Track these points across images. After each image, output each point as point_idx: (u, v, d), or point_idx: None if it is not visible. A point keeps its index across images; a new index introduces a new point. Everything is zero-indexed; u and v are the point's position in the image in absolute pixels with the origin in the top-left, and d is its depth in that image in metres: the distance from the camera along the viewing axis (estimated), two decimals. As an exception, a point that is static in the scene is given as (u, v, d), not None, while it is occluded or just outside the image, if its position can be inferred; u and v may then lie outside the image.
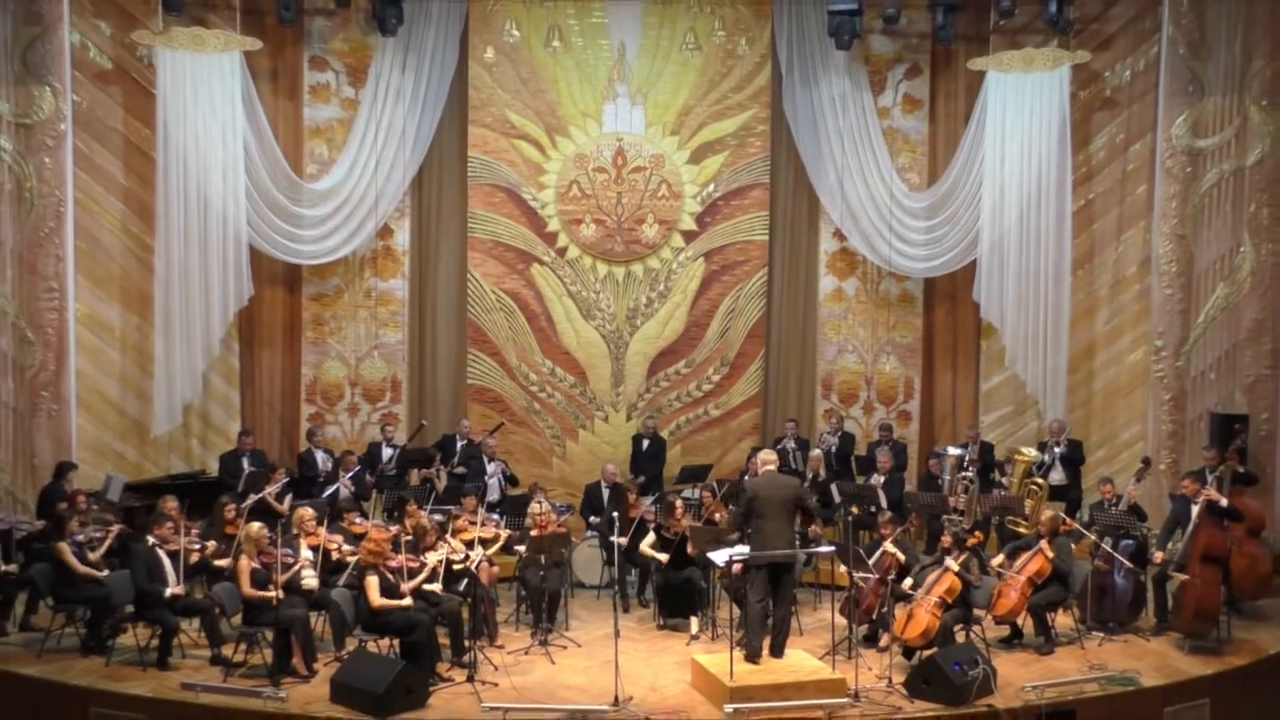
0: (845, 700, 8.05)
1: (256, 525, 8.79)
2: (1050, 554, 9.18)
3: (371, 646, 8.62)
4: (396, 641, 8.52)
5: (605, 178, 12.71)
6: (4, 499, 10.78)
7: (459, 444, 11.81)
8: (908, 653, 8.85)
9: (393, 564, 8.58)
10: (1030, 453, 11.10)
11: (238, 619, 8.81)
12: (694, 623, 9.71)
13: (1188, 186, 11.57)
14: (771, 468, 8.67)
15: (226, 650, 8.68)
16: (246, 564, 8.54)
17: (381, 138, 12.31)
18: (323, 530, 9.38)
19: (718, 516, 9.86)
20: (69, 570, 8.97)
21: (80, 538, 9.14)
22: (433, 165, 12.74)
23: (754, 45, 12.64)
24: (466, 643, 8.73)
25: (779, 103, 12.75)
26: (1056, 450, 11.38)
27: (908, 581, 9.03)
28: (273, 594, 8.34)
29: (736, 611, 9.02)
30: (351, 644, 8.70)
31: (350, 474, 11.17)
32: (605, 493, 11.23)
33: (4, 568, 9.31)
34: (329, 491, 10.98)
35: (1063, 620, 9.49)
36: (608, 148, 12.69)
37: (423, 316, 12.92)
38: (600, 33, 12.57)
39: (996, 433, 12.45)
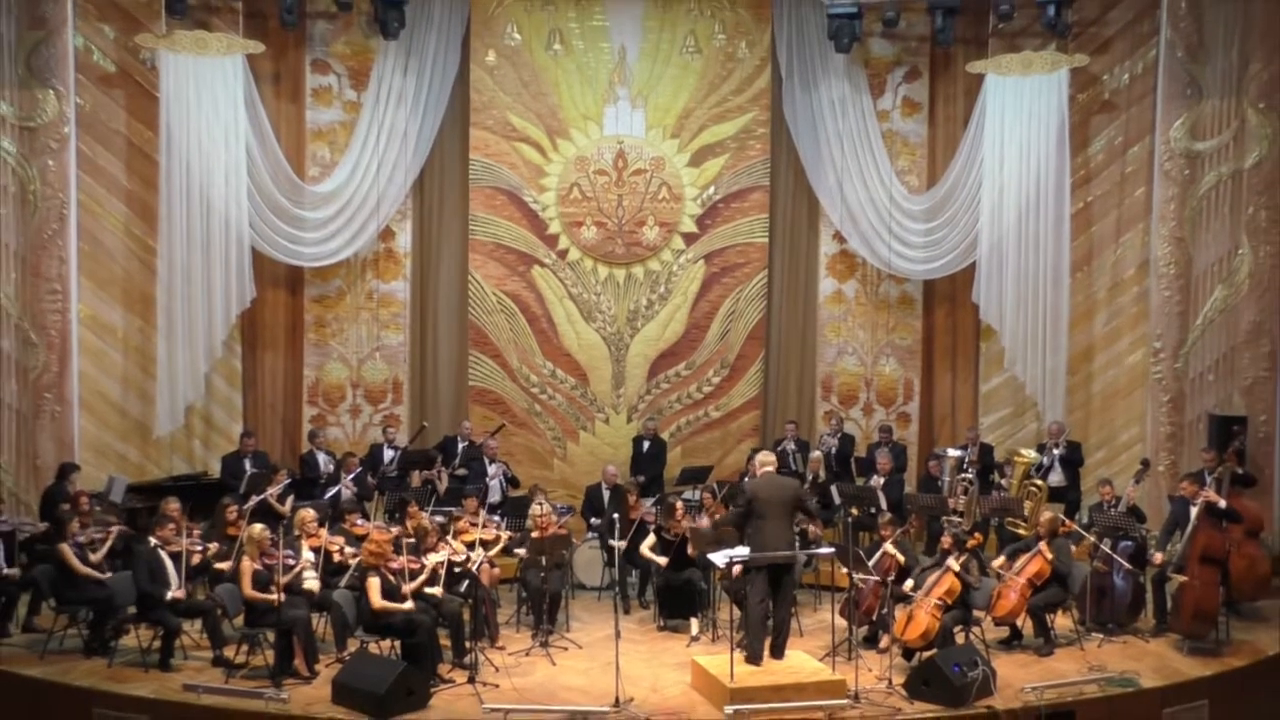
0: (845, 701, 8.08)
1: (259, 527, 8.81)
2: (1049, 555, 9.21)
3: (373, 648, 8.64)
4: (398, 643, 8.55)
5: (606, 180, 12.74)
6: (7, 500, 10.79)
7: (460, 445, 11.83)
8: (907, 654, 8.88)
9: (394, 565, 8.61)
10: (1029, 454, 11.13)
11: (240, 620, 8.83)
12: (694, 624, 9.74)
13: (1186, 189, 11.60)
14: (770, 469, 8.70)
15: (228, 651, 8.71)
16: (248, 565, 8.57)
17: (383, 140, 12.34)
18: (324, 532, 9.41)
19: (718, 518, 9.88)
20: (71, 571, 8.99)
21: (81, 539, 9.17)
22: (434, 168, 12.77)
23: (754, 48, 12.67)
24: (468, 644, 8.76)
25: (779, 106, 12.78)
26: (1055, 452, 11.40)
27: (909, 583, 9.06)
28: (274, 596, 8.37)
29: (737, 613, 9.04)
30: (353, 645, 8.73)
31: (352, 475, 11.19)
32: (606, 494, 11.26)
33: (6, 571, 9.33)
34: (331, 493, 11.00)
35: (1062, 621, 9.52)
36: (608, 150, 12.73)
37: (424, 318, 12.95)
38: (601, 36, 12.60)
39: (996, 434, 12.47)
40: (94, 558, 9.13)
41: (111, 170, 11.83)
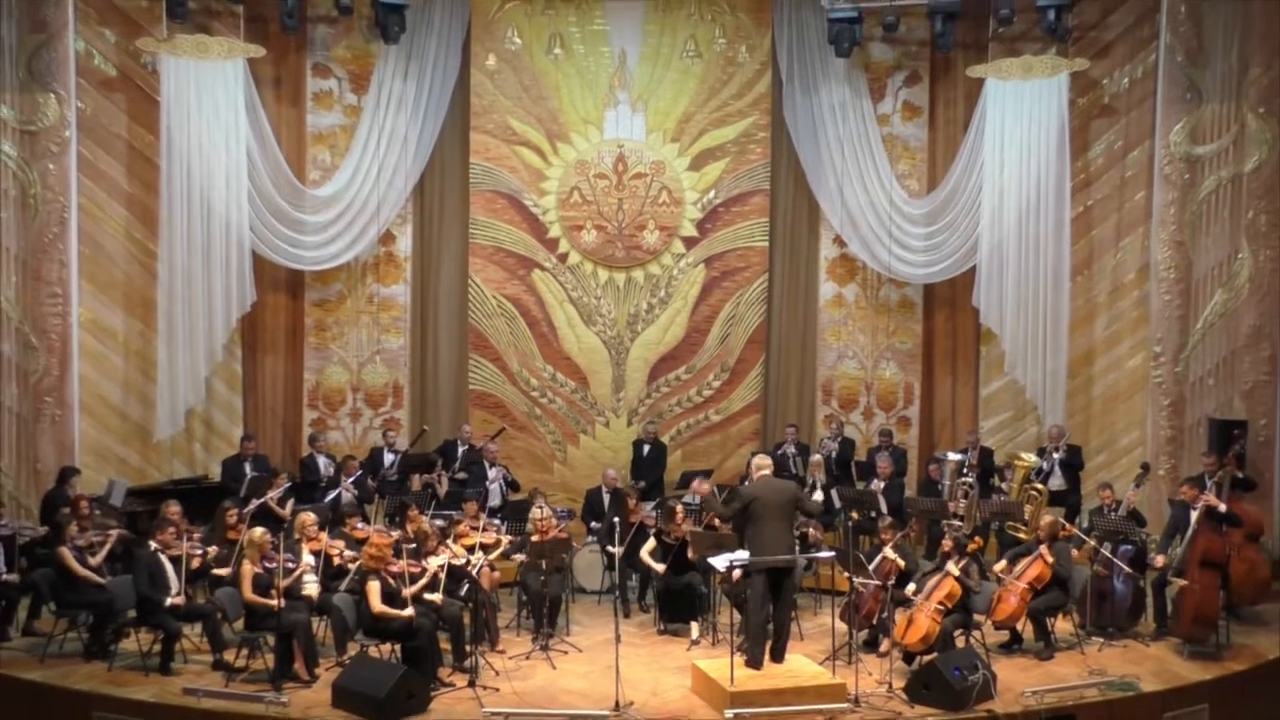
0: (845, 705, 8.08)
1: (259, 530, 8.80)
2: (1050, 559, 9.20)
3: (373, 651, 8.64)
4: (398, 646, 8.54)
5: (606, 184, 12.75)
6: (7, 504, 10.79)
7: (460, 449, 11.84)
8: (908, 658, 8.87)
9: (394, 569, 8.60)
10: (1030, 458, 11.10)
11: (240, 624, 8.83)
12: (694, 628, 9.73)
13: (1186, 193, 11.60)
14: (766, 472, 8.70)
15: (228, 655, 8.71)
16: (249, 569, 8.57)
17: (384, 144, 12.36)
18: (324, 535, 9.41)
19: (717, 521, 9.87)
20: (71, 575, 8.99)
21: (80, 542, 9.17)
22: (435, 171, 12.80)
23: (754, 52, 12.69)
24: (468, 647, 8.75)
25: (779, 110, 12.80)
26: (1056, 456, 11.41)
27: (910, 587, 9.05)
28: (275, 601, 8.37)
29: (737, 617, 9.04)
30: (353, 649, 8.73)
31: (352, 479, 11.19)
32: (606, 498, 11.25)
33: (5, 576, 9.33)
34: (331, 496, 11.00)
35: (1062, 625, 9.51)
36: (609, 154, 12.74)
37: (424, 322, 12.96)
38: (601, 40, 12.62)
39: (996, 438, 12.48)
40: (93, 561, 9.13)
41: (112, 174, 11.84)
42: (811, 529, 10.12)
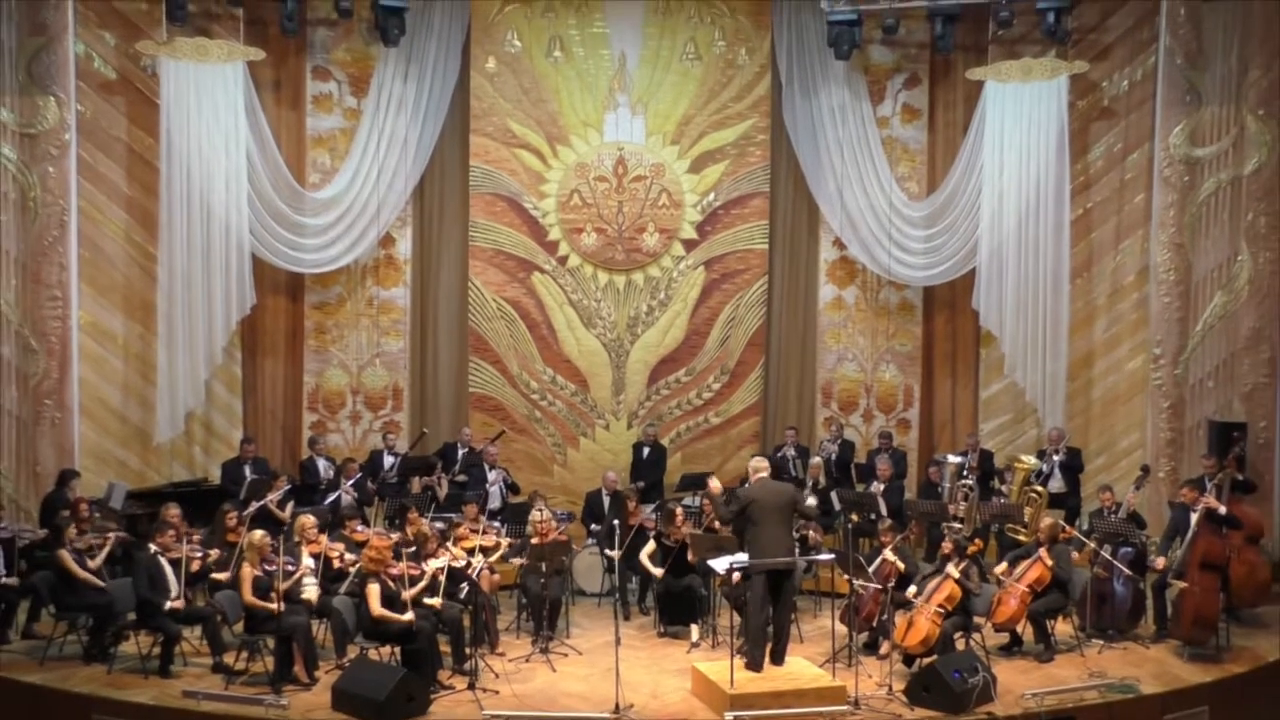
0: (845, 708, 8.08)
1: (259, 533, 8.80)
2: (1049, 562, 9.20)
3: (373, 654, 8.63)
4: (398, 649, 8.54)
5: (606, 187, 12.76)
6: (7, 507, 10.79)
7: (460, 452, 11.84)
8: (908, 660, 8.87)
9: (394, 572, 8.60)
10: (1029, 460, 11.11)
11: (239, 627, 8.83)
12: (694, 630, 9.73)
13: (1185, 195, 11.61)
14: (764, 475, 8.69)
15: (228, 658, 8.71)
16: (249, 571, 8.57)
17: (384, 147, 12.37)
18: (324, 538, 9.41)
19: (717, 524, 9.87)
20: (71, 577, 8.99)
21: (79, 545, 9.17)
22: (434, 174, 12.80)
23: (754, 55, 12.70)
24: (468, 650, 8.75)
25: (779, 112, 12.81)
26: (1055, 458, 11.40)
27: (911, 589, 9.05)
28: (275, 606, 8.36)
29: (737, 619, 9.04)
30: (353, 651, 8.72)
31: (352, 481, 11.20)
32: (606, 500, 11.26)
33: (5, 580, 9.33)
34: (331, 499, 11.01)
35: (1062, 628, 9.51)
36: (608, 157, 12.75)
37: (424, 325, 12.96)
38: (601, 43, 12.63)
39: (996, 440, 12.48)
40: (92, 564, 9.13)
41: (112, 177, 11.85)
42: (811, 531, 10.14)
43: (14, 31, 11.06)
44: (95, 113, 11.69)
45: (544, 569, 9.53)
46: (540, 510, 10.05)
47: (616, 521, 9.73)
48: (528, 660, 9.13)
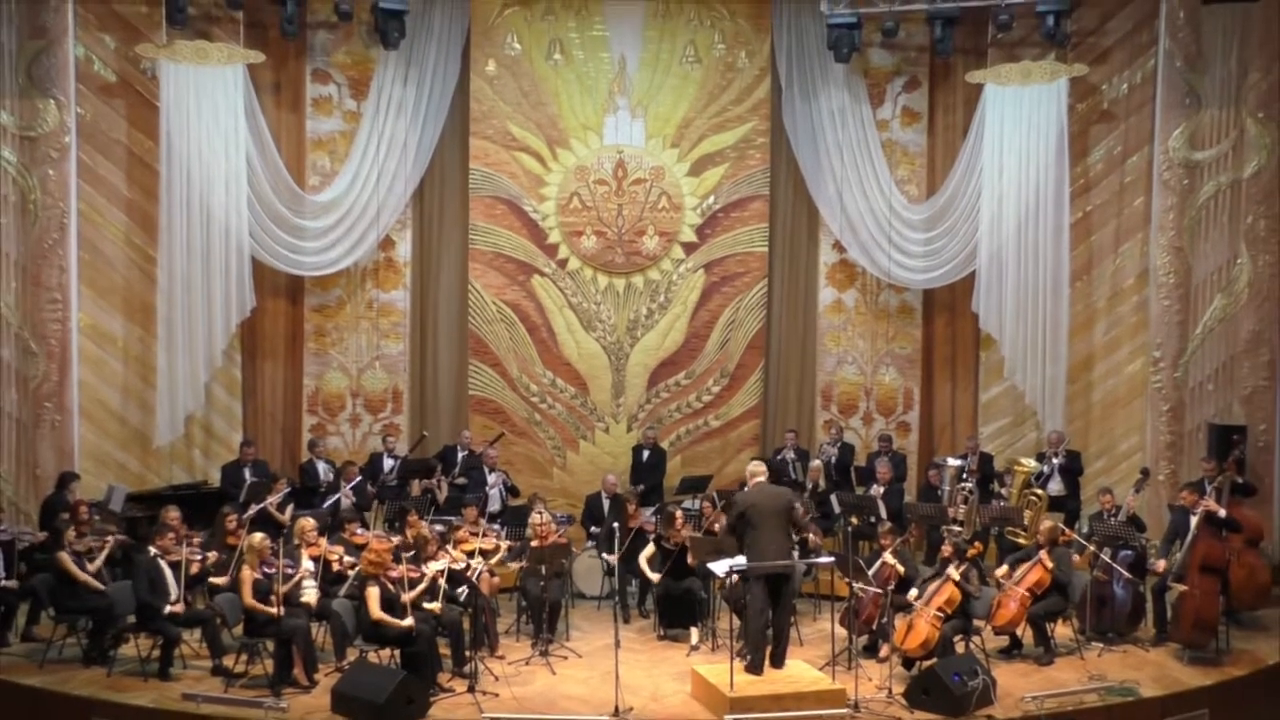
0: (845, 711, 8.08)
1: (259, 536, 8.80)
2: (1049, 564, 9.20)
3: (372, 657, 8.62)
4: (397, 652, 8.54)
5: (606, 190, 12.77)
6: (7, 509, 10.78)
7: (460, 455, 11.84)
8: (907, 663, 8.87)
9: (393, 574, 8.60)
10: (1029, 463, 11.13)
11: (239, 629, 8.82)
12: (694, 633, 9.73)
13: (1185, 198, 11.61)
14: (761, 479, 8.69)
15: (228, 661, 8.71)
16: (249, 574, 8.57)
17: (383, 150, 12.37)
18: (324, 541, 9.40)
19: (717, 527, 9.88)
20: (71, 580, 8.99)
21: (78, 548, 9.16)
22: (434, 177, 12.81)
23: (753, 58, 12.71)
24: (467, 653, 8.74)
25: (778, 115, 12.82)
26: (1055, 461, 11.40)
27: (912, 593, 9.05)
28: (274, 610, 8.36)
29: (737, 622, 9.04)
30: (352, 654, 8.71)
31: (352, 484, 11.19)
32: (606, 503, 11.26)
33: (4, 583, 9.32)
34: (330, 502, 11.00)
35: (1062, 631, 9.51)
36: (608, 160, 12.76)
37: (424, 328, 12.97)
38: (601, 46, 12.64)
39: (995, 443, 12.48)
40: (90, 567, 9.12)
41: (112, 180, 11.85)
42: (811, 534, 10.13)
43: (14, 34, 11.07)
44: (95, 115, 11.70)
45: (544, 572, 9.53)
46: (540, 513, 10.05)
47: (616, 524, 9.72)
48: (527, 663, 9.13)
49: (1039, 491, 10.89)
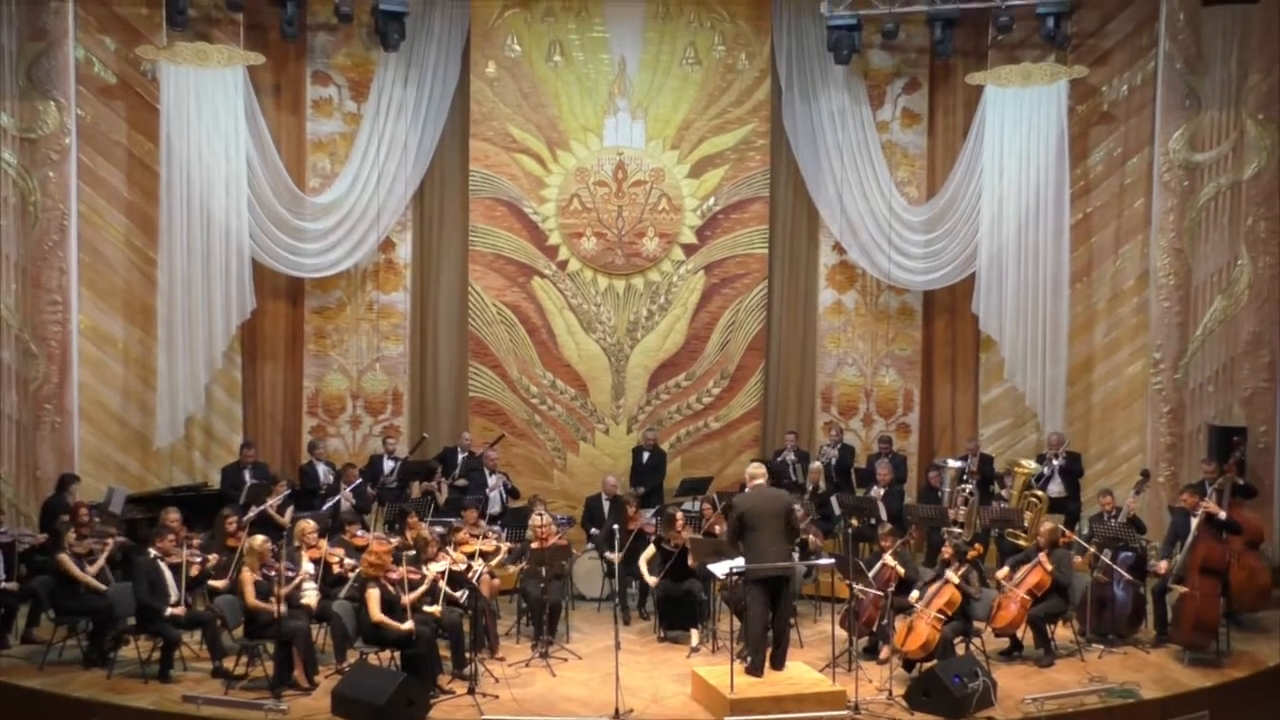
0: (845, 712, 8.08)
1: (259, 538, 8.80)
2: (1049, 566, 9.20)
3: (373, 659, 8.63)
4: (397, 654, 8.54)
5: (606, 191, 12.77)
6: (7, 511, 10.78)
7: (460, 456, 11.83)
8: (908, 665, 8.86)
9: (394, 576, 8.60)
10: (1029, 465, 11.13)
11: (239, 631, 8.82)
12: (694, 635, 9.72)
13: (1185, 200, 11.62)
14: (760, 481, 8.67)
15: (228, 663, 8.71)
16: (249, 576, 8.56)
17: (383, 152, 12.37)
18: (324, 543, 9.41)
19: (717, 529, 9.88)
20: (71, 582, 8.99)
21: (79, 550, 9.16)
22: (434, 179, 12.80)
23: (754, 60, 12.71)
24: (467, 655, 8.74)
25: (778, 117, 12.81)
26: (1055, 463, 11.40)
27: (914, 594, 9.05)
28: (275, 608, 8.36)
29: (737, 624, 9.04)
30: (352, 656, 8.72)
31: (352, 486, 11.19)
32: (606, 505, 11.26)
33: (4, 585, 9.32)
34: (330, 504, 10.99)
35: (1062, 632, 9.51)
36: (608, 162, 12.76)
37: (424, 329, 12.96)
38: (601, 47, 12.64)
39: (995, 445, 12.48)
40: (91, 569, 9.11)
41: (112, 181, 11.85)
42: (812, 536, 10.12)
43: (14, 36, 11.08)
44: (95, 117, 11.70)
45: (544, 574, 9.53)
46: (540, 515, 10.04)
47: (616, 526, 9.72)
48: (527, 665, 9.13)
49: (1039, 493, 10.89)
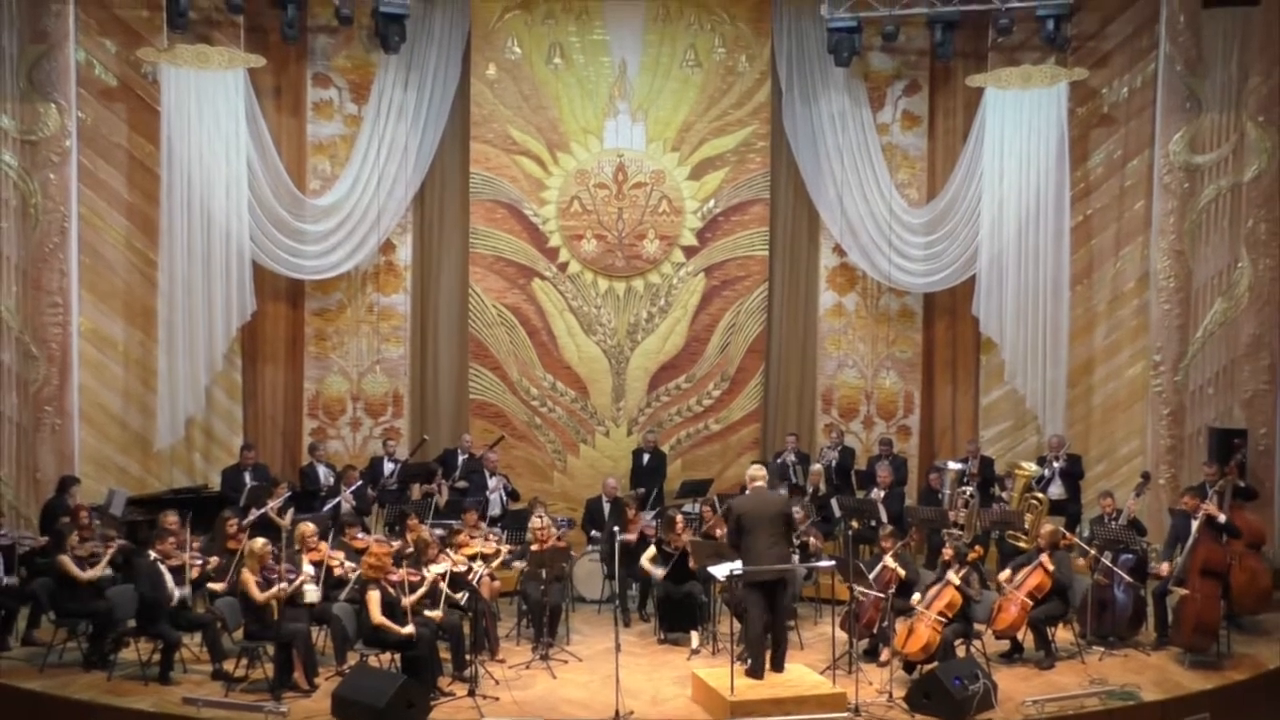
0: (846, 714, 8.08)
1: (259, 541, 8.78)
2: (1050, 568, 9.19)
3: (373, 661, 8.63)
4: (398, 656, 8.53)
5: (606, 193, 12.77)
6: (7, 514, 10.78)
7: (460, 458, 11.83)
8: (908, 667, 8.86)
9: (394, 578, 8.60)
10: (1030, 467, 11.12)
11: (239, 634, 8.82)
12: (694, 637, 9.72)
13: (1185, 202, 11.62)
14: (760, 484, 8.67)
15: (228, 665, 8.71)
16: (250, 578, 8.56)
17: (384, 154, 12.38)
18: (324, 545, 9.41)
19: (718, 532, 9.87)
20: (72, 584, 8.98)
21: (80, 553, 9.15)
22: (435, 181, 12.80)
23: (754, 62, 12.71)
24: (468, 657, 8.73)
25: (779, 119, 12.81)
26: (1056, 465, 11.40)
27: (916, 597, 9.04)
28: (279, 589, 8.37)
29: (737, 626, 9.04)
30: (353, 658, 8.72)
31: (352, 488, 11.19)
32: (606, 507, 11.26)
33: (5, 582, 9.32)
34: (331, 506, 10.99)
35: (1063, 635, 9.50)
36: (609, 164, 12.76)
37: (424, 331, 12.96)
38: (601, 50, 12.64)
39: (996, 447, 12.47)
40: (92, 572, 9.10)
41: (113, 184, 11.86)
42: (812, 538, 10.12)
43: (15, 38, 11.09)
44: (96, 119, 11.71)
45: (544, 576, 9.53)
46: (540, 517, 10.04)
47: (616, 528, 9.73)
48: (528, 667, 9.13)
49: (1040, 495, 10.88)
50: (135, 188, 11.93)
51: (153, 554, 8.93)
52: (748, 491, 8.74)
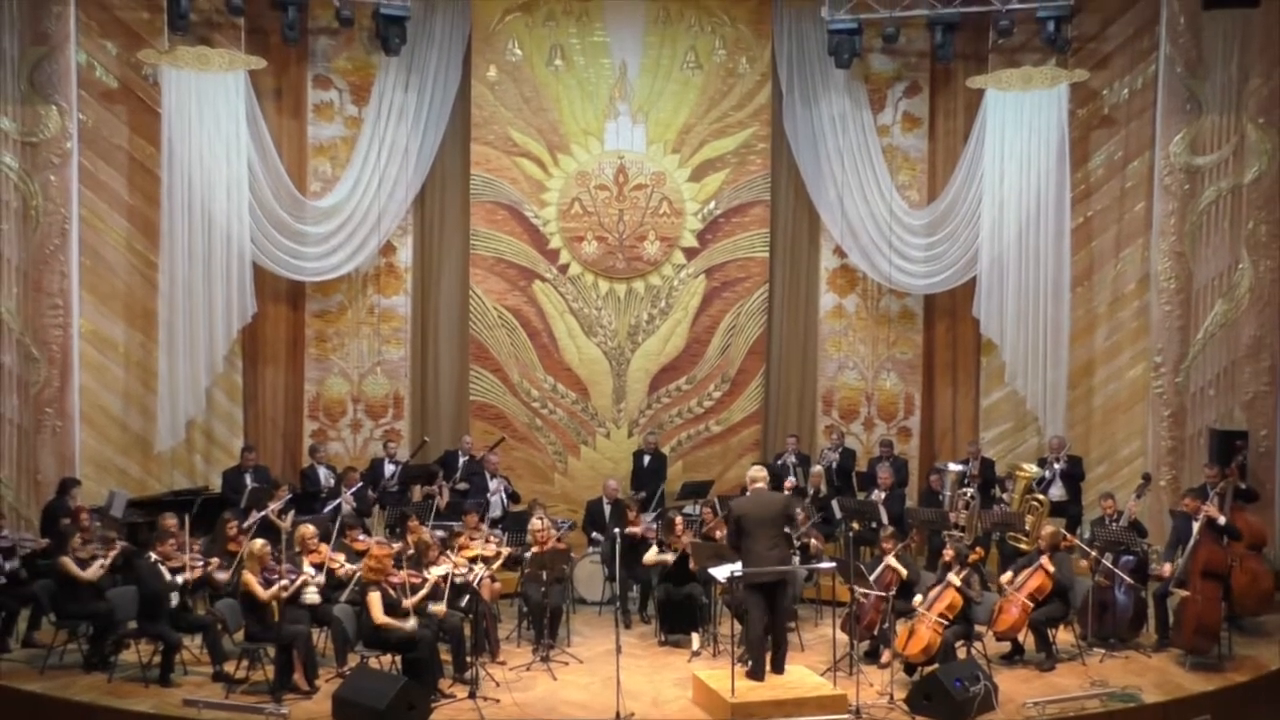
0: (846, 716, 8.08)
1: (259, 542, 8.79)
2: (1051, 570, 9.19)
3: (373, 662, 8.63)
4: (398, 657, 8.53)
5: (607, 195, 12.77)
6: (8, 515, 10.77)
7: (461, 460, 11.82)
8: (909, 669, 8.86)
9: (395, 580, 8.60)
10: (1031, 469, 11.11)
11: (240, 635, 8.82)
12: (695, 638, 9.72)
13: (1186, 204, 11.62)
14: (761, 485, 8.67)
15: (229, 667, 8.71)
16: (253, 578, 8.56)
17: (384, 155, 12.38)
18: (325, 547, 9.41)
19: (718, 534, 9.87)
20: (73, 585, 8.98)
21: (81, 555, 9.15)
22: (435, 183, 12.81)
23: (754, 64, 12.72)
24: (468, 659, 8.74)
25: (779, 121, 12.82)
26: (1057, 466, 11.40)
27: (916, 598, 9.04)
28: (280, 586, 8.36)
29: (738, 627, 9.04)
30: (353, 660, 8.72)
31: (353, 490, 11.19)
32: (607, 509, 11.25)
33: (8, 567, 9.31)
34: (331, 507, 10.99)
35: (1064, 636, 9.50)
36: (609, 165, 12.76)
37: (425, 333, 12.96)
38: (602, 51, 12.65)
39: (997, 449, 12.47)
40: (92, 570, 9.10)
41: (113, 185, 11.86)
42: (813, 540, 10.12)
43: (16, 40, 11.08)
44: (97, 121, 11.71)
45: (544, 577, 9.52)
46: (540, 519, 10.04)
47: (617, 530, 9.73)
48: (528, 669, 9.13)
49: (1040, 497, 10.87)
50: (136, 189, 11.93)
51: (153, 556, 8.93)
52: (748, 493, 8.74)
